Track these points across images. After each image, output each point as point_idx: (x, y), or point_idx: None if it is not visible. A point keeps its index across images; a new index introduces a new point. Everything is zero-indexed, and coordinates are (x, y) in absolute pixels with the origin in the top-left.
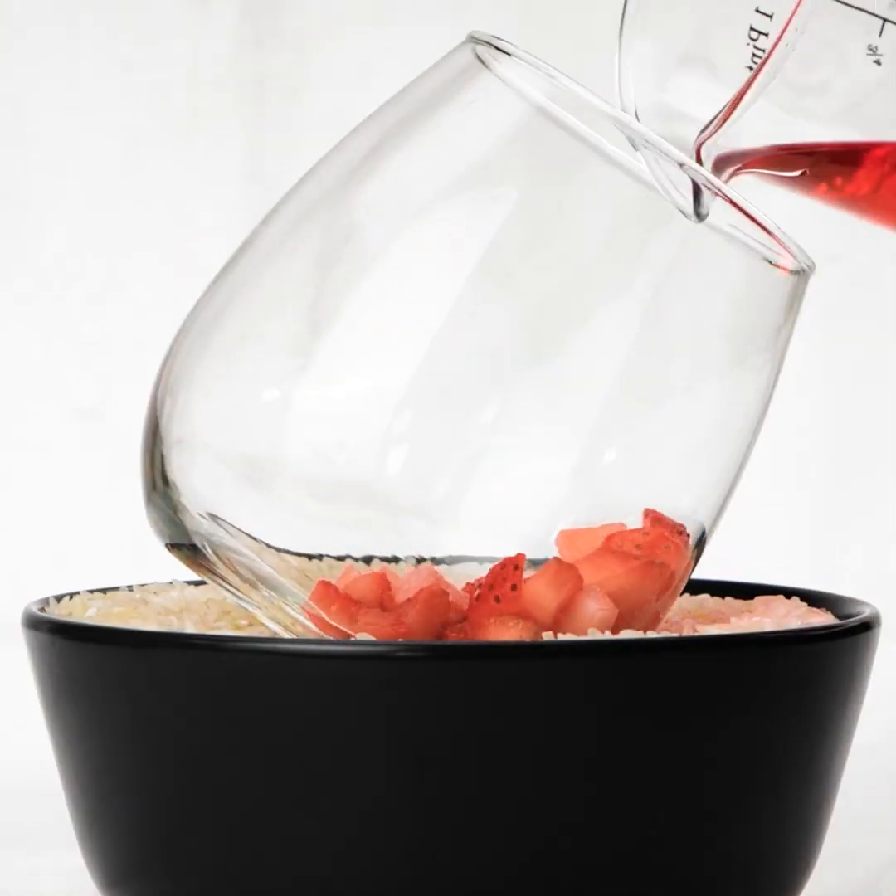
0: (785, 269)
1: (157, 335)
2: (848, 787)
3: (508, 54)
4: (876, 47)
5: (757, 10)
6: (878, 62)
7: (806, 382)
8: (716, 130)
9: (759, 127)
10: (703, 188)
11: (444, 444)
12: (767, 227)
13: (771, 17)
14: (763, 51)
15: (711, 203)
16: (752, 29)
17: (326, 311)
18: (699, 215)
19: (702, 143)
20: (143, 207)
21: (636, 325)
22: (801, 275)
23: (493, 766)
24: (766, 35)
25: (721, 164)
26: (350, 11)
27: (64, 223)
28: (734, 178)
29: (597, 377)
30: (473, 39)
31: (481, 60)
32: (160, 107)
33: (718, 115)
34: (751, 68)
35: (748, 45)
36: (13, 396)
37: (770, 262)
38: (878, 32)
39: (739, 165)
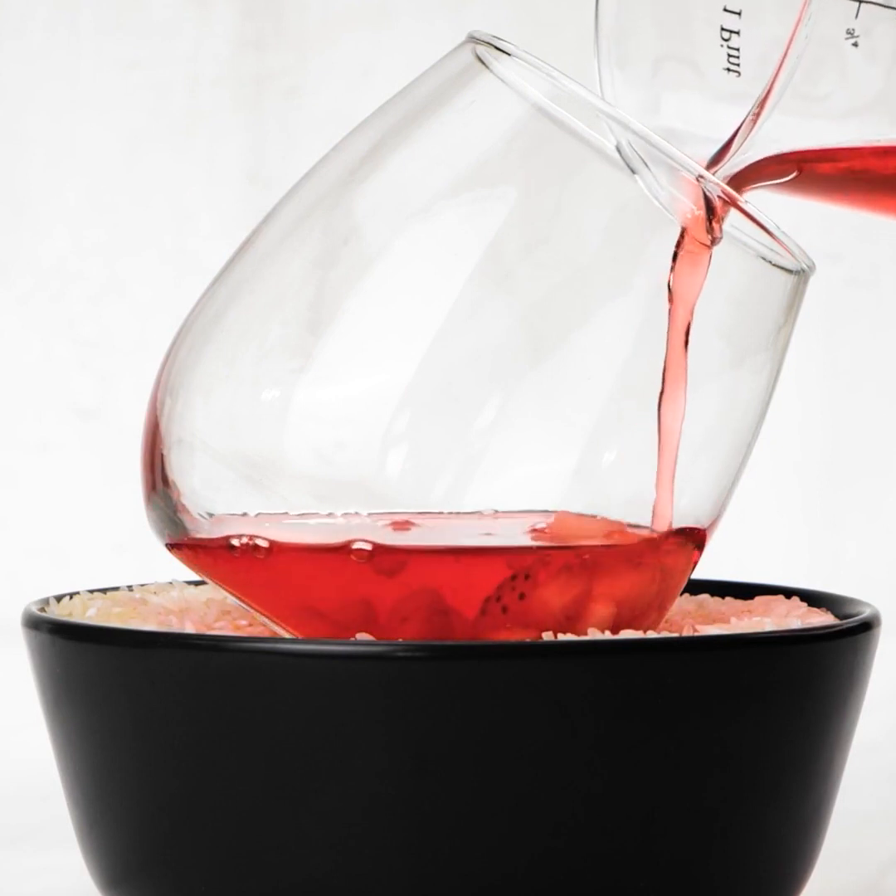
0: (785, 269)
1: (157, 335)
2: (848, 787)
3: (508, 54)
4: (853, 29)
5: (725, 9)
6: (855, 44)
7: (805, 382)
8: (735, 152)
9: (766, 140)
10: (718, 204)
11: (444, 445)
12: (767, 227)
13: (739, 14)
14: (737, 50)
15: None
16: (723, 29)
17: (326, 312)
18: (714, 239)
19: (720, 167)
20: (142, 207)
21: (636, 325)
22: (801, 275)
23: (493, 765)
24: (738, 33)
25: (734, 184)
26: (350, 12)
27: (64, 223)
28: (748, 194)
29: (597, 377)
30: (473, 39)
31: (481, 60)
32: (160, 106)
33: (734, 135)
34: (728, 69)
35: (722, 46)
36: (13, 396)
37: (770, 262)
38: (855, 14)
39: (754, 182)
